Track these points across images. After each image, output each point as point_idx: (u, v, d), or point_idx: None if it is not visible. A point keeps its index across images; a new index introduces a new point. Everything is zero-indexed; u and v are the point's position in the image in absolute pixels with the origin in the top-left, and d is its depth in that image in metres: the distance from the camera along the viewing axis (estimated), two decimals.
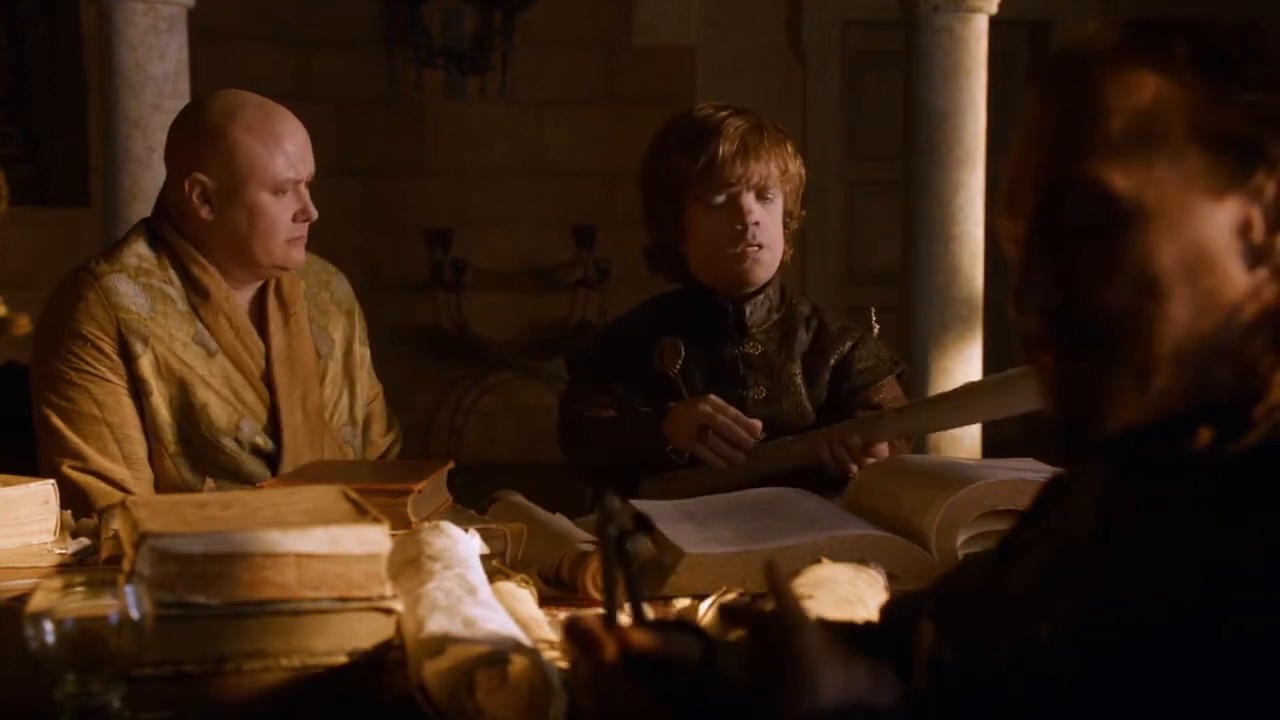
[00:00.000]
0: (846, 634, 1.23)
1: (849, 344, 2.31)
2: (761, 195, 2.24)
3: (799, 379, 2.28)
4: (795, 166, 2.29)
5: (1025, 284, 0.99)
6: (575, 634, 1.04)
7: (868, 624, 1.28)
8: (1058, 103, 1.00)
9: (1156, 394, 0.96)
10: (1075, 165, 0.97)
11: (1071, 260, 0.97)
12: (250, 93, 2.24)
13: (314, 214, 2.23)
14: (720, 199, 2.22)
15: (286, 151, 2.18)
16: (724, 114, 2.26)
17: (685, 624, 1.10)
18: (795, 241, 2.35)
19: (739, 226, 2.22)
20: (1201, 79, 0.96)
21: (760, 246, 2.23)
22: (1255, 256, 0.95)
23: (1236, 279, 0.95)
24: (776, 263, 2.29)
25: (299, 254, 2.24)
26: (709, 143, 2.21)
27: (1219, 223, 0.95)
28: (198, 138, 2.19)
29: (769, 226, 2.25)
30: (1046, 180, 0.99)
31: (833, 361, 2.30)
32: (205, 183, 2.17)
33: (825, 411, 2.27)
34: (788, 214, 2.30)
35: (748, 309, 2.27)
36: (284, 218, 2.20)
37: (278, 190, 2.18)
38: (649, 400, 2.26)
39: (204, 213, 2.19)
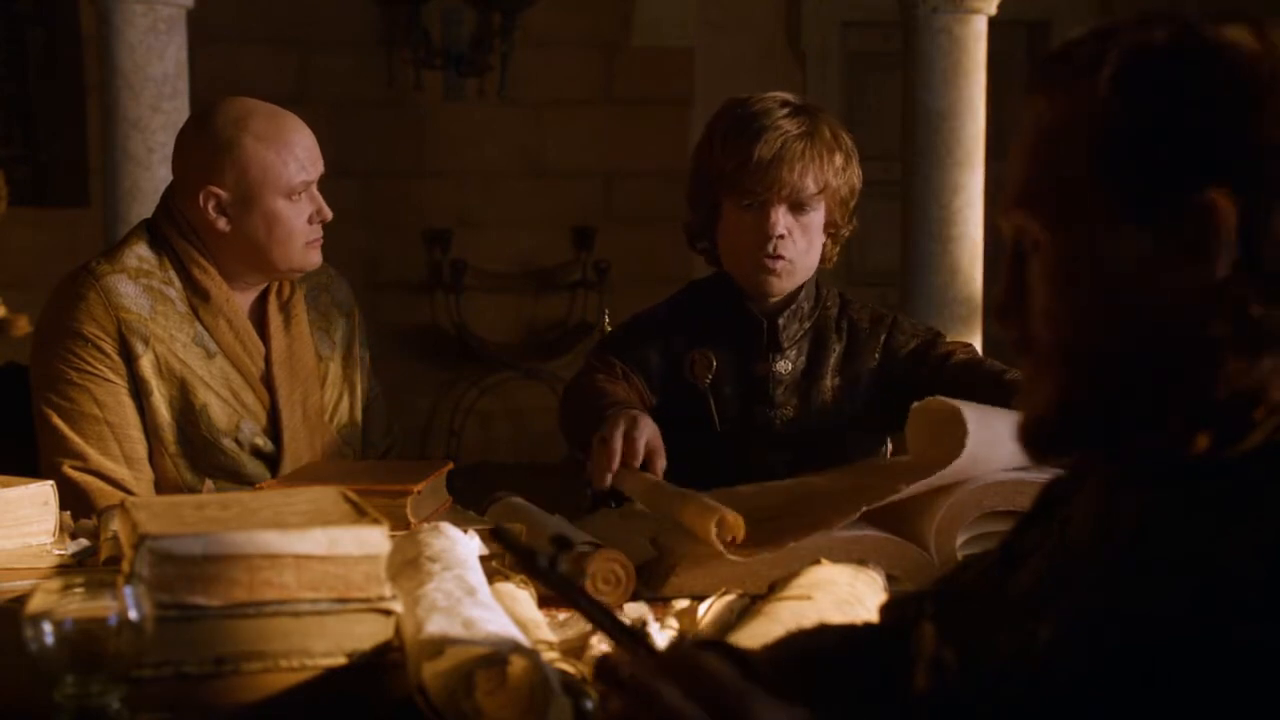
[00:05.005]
0: (847, 636, 1.24)
1: (883, 336, 2.25)
2: (796, 207, 2.16)
3: (828, 395, 2.23)
4: (842, 179, 2.20)
5: (1000, 299, 1.05)
6: (611, 674, 1.00)
7: (867, 625, 1.28)
8: (1020, 128, 1.04)
9: (1103, 399, 0.99)
10: (1013, 195, 1.02)
11: (1018, 277, 1.03)
12: (254, 99, 2.24)
13: (328, 213, 2.24)
14: (749, 203, 2.16)
15: (298, 156, 2.19)
16: (780, 113, 2.16)
17: (717, 644, 1.11)
18: (837, 244, 2.28)
19: (763, 236, 2.15)
20: (1121, 101, 0.96)
21: (782, 259, 2.17)
22: (1183, 270, 0.94)
23: (1166, 292, 0.95)
24: (803, 275, 2.22)
25: (316, 255, 2.25)
26: (749, 144, 2.13)
27: (1141, 243, 0.95)
28: (209, 150, 2.18)
29: (798, 239, 2.17)
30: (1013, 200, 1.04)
31: (874, 362, 2.24)
32: (220, 195, 2.18)
33: (887, 404, 2.17)
34: (832, 225, 2.23)
35: (781, 322, 2.22)
36: (300, 222, 2.20)
37: (292, 195, 2.19)
38: (675, 405, 2.20)
39: (221, 224, 2.19)
